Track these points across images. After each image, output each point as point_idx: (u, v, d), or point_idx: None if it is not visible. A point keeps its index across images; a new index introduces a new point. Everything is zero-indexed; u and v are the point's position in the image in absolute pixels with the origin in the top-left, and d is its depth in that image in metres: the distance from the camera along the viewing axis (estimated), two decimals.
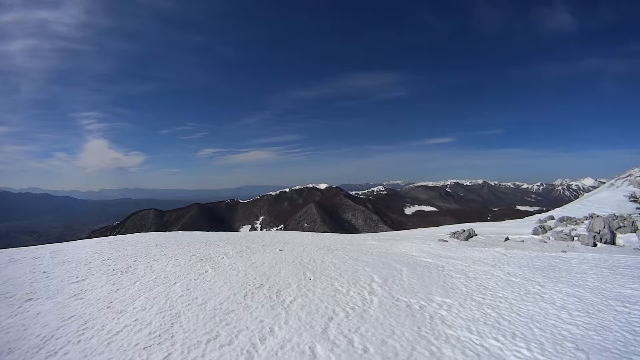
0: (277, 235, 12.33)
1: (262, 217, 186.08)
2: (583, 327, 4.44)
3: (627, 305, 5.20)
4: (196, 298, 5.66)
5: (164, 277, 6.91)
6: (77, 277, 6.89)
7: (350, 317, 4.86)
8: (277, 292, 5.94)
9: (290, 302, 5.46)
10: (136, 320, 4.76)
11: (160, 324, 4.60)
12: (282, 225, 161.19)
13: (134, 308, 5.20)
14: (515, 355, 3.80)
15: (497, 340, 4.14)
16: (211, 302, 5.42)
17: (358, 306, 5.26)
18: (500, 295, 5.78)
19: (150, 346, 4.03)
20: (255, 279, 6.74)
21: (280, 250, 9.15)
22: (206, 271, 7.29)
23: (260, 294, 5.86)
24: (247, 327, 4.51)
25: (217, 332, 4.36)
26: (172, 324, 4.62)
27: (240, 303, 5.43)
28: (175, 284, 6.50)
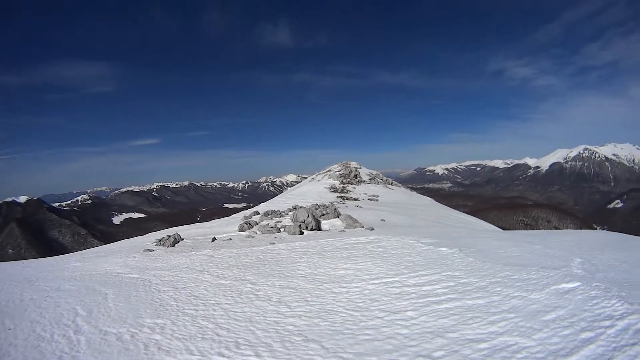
0: None
1: None
2: (306, 316, 4.39)
3: (344, 285, 5.41)
4: None
5: None
6: None
7: None
8: None
9: None
10: None
11: None
12: None
13: None
14: None
15: (221, 355, 3.60)
16: None
17: (66, 353, 3.97)
18: (213, 302, 5.34)
19: None
20: None
21: None
22: None
23: None
24: None
25: None
26: None
27: None
28: None
